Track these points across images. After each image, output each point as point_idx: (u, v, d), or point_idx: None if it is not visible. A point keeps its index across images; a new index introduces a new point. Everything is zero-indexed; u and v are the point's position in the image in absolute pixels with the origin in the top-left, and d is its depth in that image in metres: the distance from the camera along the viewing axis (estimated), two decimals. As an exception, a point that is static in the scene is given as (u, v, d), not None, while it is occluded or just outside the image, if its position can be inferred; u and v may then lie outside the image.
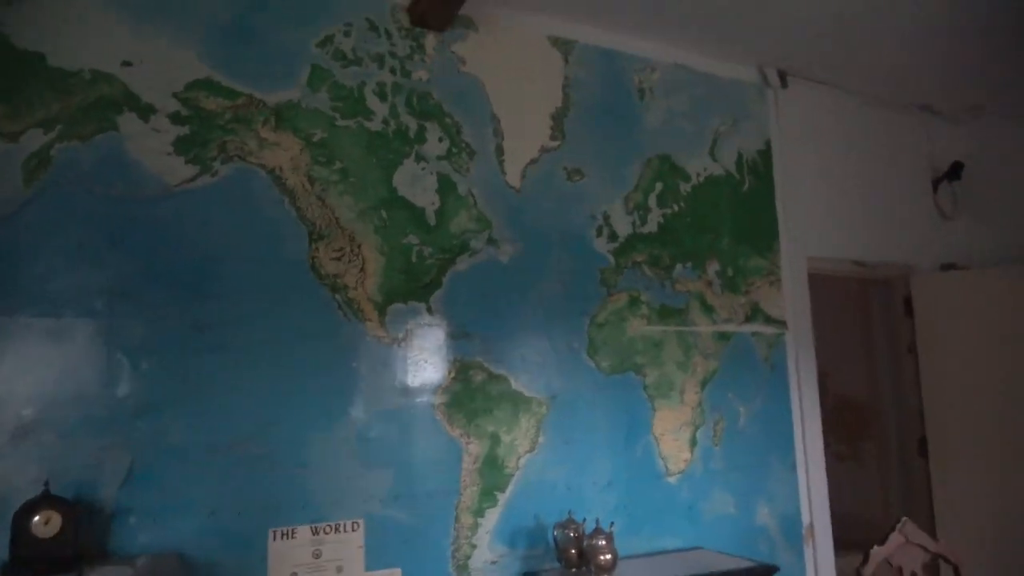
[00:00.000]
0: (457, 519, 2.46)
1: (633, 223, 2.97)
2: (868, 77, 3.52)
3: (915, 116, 3.89)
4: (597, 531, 2.38)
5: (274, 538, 2.20)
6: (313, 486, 2.28)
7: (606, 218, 2.91)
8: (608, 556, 2.34)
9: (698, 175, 3.16)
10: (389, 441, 2.40)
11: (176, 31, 2.29)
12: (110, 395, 2.08)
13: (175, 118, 2.26)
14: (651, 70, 3.12)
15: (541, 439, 2.64)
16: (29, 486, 1.91)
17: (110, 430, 2.06)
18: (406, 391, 2.45)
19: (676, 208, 3.08)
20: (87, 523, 1.93)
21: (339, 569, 2.27)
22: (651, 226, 3.01)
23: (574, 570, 2.41)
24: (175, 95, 2.27)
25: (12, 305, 2.01)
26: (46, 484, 1.84)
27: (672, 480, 2.86)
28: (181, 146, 2.26)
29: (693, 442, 2.93)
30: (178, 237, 2.21)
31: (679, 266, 3.04)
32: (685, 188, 3.12)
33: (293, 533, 2.22)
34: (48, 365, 2.03)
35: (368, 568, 2.31)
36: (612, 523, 2.47)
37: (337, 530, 2.28)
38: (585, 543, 2.39)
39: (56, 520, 1.76)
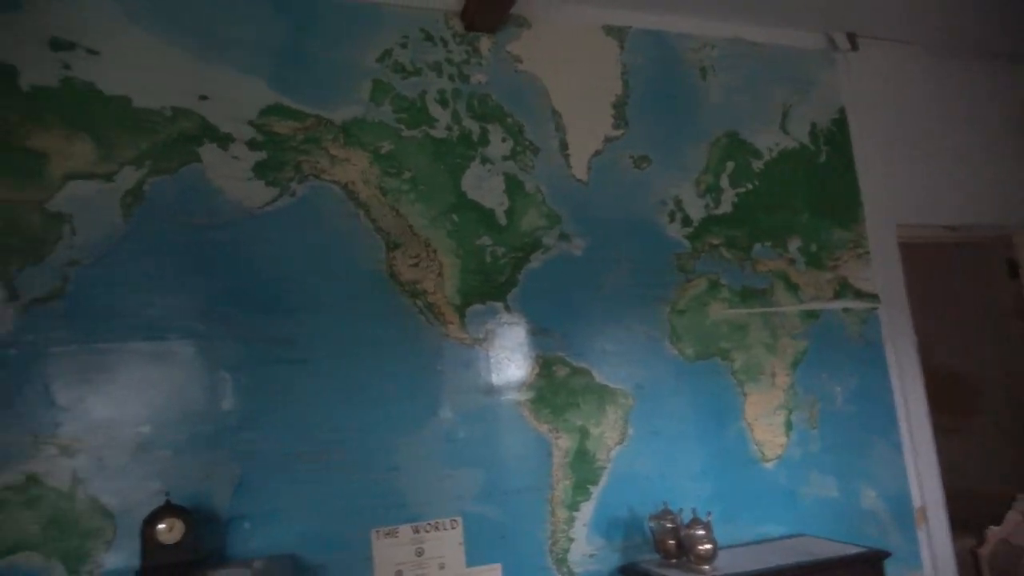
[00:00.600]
0: (552, 513, 2.47)
1: (706, 205, 2.91)
2: (945, 28, 3.34)
3: (1001, 65, 3.66)
4: (694, 521, 2.34)
5: (377, 537, 2.27)
6: (407, 488, 2.34)
7: (677, 203, 2.87)
8: (708, 546, 2.29)
9: (770, 151, 3.08)
10: (477, 440, 2.44)
11: (244, 61, 2.41)
12: (215, 411, 2.20)
13: (252, 144, 2.37)
14: (709, 47, 3.06)
15: (630, 430, 2.62)
16: (151, 498, 2.05)
17: (217, 443, 2.18)
18: (491, 390, 2.49)
19: (750, 187, 3.01)
20: (205, 530, 2.05)
21: (441, 566, 2.32)
22: (725, 207, 2.95)
23: (674, 561, 2.38)
24: (250, 122, 2.39)
25: (121, 332, 2.16)
26: (167, 495, 1.96)
27: (769, 466, 2.78)
28: (260, 170, 2.37)
29: (788, 426, 2.85)
30: (262, 256, 2.32)
31: (758, 246, 2.96)
32: (757, 165, 3.04)
33: (395, 532, 2.29)
34: (158, 386, 2.16)
35: (469, 564, 2.35)
36: (709, 512, 2.43)
37: (437, 528, 2.33)
38: (683, 533, 2.35)
39: (179, 527, 1.88)
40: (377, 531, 2.28)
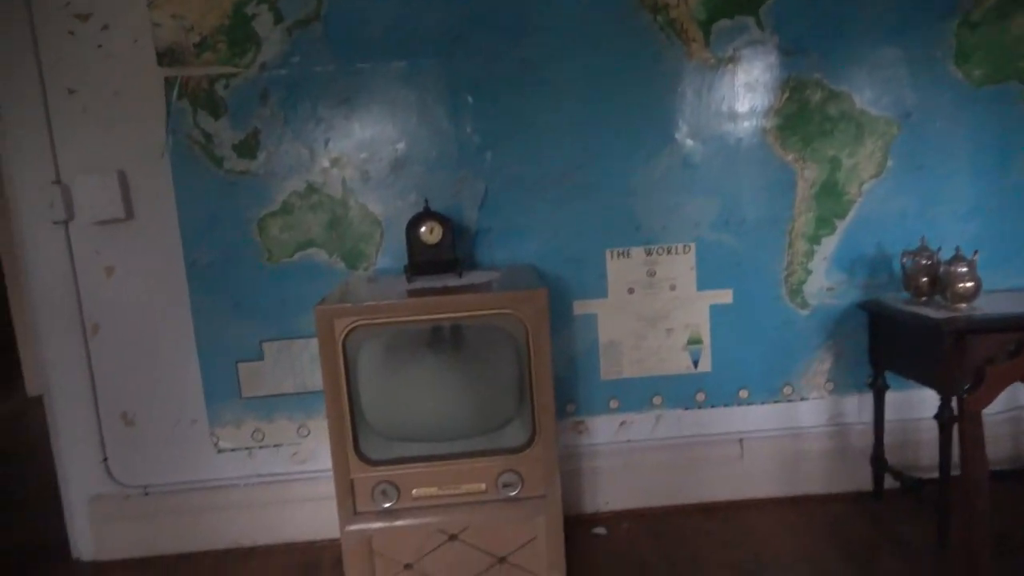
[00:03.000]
0: (790, 245, 2.38)
1: None
2: None
3: None
4: (957, 258, 2.14)
5: (611, 257, 2.36)
6: (642, 212, 2.35)
7: None
8: (969, 284, 2.11)
9: None
10: (716, 168, 2.34)
11: None
12: (461, 131, 2.29)
13: None
14: None
15: (889, 163, 2.36)
16: (410, 208, 2.26)
17: (464, 162, 2.30)
18: (734, 116, 2.33)
19: None
20: (457, 238, 2.25)
21: (672, 287, 2.38)
22: None
23: (923, 299, 2.24)
24: None
25: (374, 53, 2.24)
26: (426, 201, 2.15)
27: (1053, 211, 2.41)
28: None
29: (1091, 166, 2.40)
30: (501, -29, 2.23)
31: (1097, -65, 2.30)
32: None
33: (628, 253, 2.36)
34: (409, 106, 2.28)
35: (700, 288, 2.39)
36: (976, 251, 2.20)
37: (670, 252, 2.36)
38: (941, 270, 2.17)
39: (438, 230, 2.08)
40: (611, 251, 2.36)
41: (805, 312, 2.43)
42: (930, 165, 2.37)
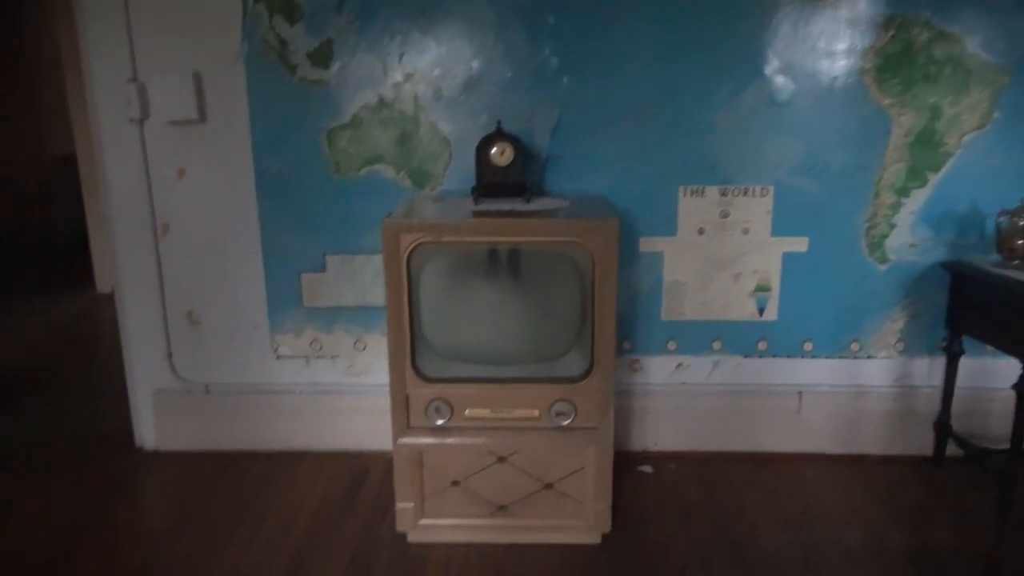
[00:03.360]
0: (875, 196, 2.26)
1: None
2: None
3: None
4: (1059, 221, 1.99)
5: (683, 195, 2.28)
6: (721, 151, 2.25)
7: None
8: (1070, 250, 1.97)
9: None
10: (804, 109, 2.22)
11: None
12: (537, 53, 2.20)
13: None
14: None
15: (995, 114, 2.19)
16: (481, 129, 2.21)
17: (539, 86, 2.22)
18: (831, 53, 2.18)
19: None
20: (527, 163, 2.19)
21: (745, 231, 2.29)
22: None
23: (1016, 262, 2.10)
24: None
25: (454, -38, 2.16)
26: (499, 122, 2.09)
27: None
28: None
29: None
30: None
31: None
32: None
33: (702, 192, 2.27)
34: (486, 23, 2.19)
35: (775, 234, 2.30)
36: (1082, 215, 2.05)
37: (746, 194, 2.27)
38: (1039, 233, 2.03)
39: (509, 152, 2.03)
40: (684, 189, 2.28)
41: (883, 267, 2.31)
42: (1042, 120, 2.20)
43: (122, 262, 2.41)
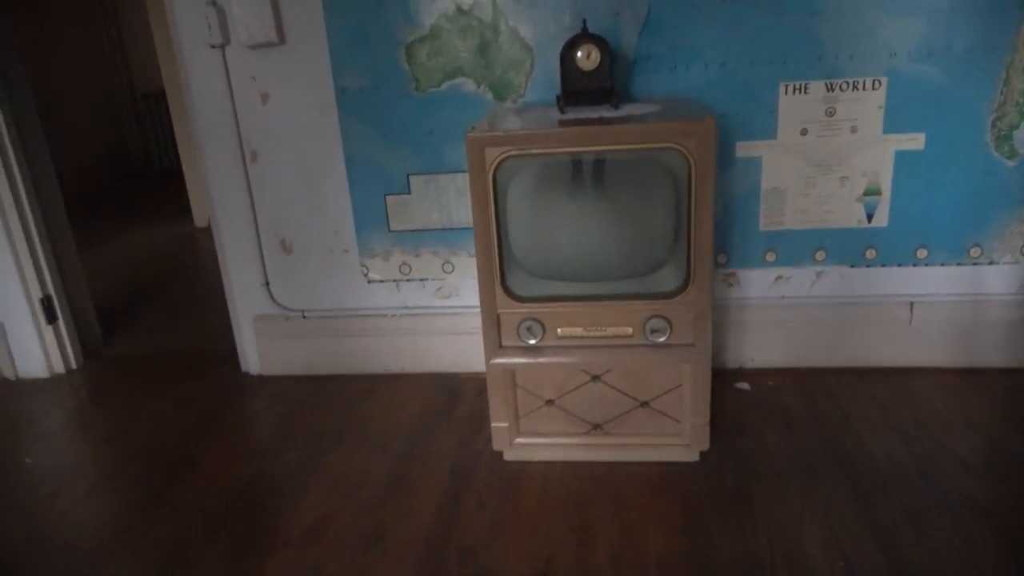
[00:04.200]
0: (1006, 82, 2.02)
1: None
2: None
3: None
4: None
5: (785, 92, 2.11)
6: (828, 37, 2.05)
7: None
8: None
9: None
10: (925, -15, 1.98)
11: None
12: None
13: None
14: None
15: None
16: (564, 33, 2.09)
17: (623, -20, 2.06)
18: (957, -83, 1.92)
19: None
20: (614, 67, 2.06)
21: (853, 129, 2.11)
22: None
23: None
24: None
25: None
26: (584, 22, 1.96)
27: None
28: None
29: None
30: None
31: None
32: None
33: (806, 88, 2.09)
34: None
35: (886, 131, 2.10)
36: None
37: (855, 88, 2.07)
38: None
39: (595, 55, 1.91)
40: (786, 84, 2.10)
41: (1012, 163, 2.09)
42: None
43: (215, 192, 2.46)
